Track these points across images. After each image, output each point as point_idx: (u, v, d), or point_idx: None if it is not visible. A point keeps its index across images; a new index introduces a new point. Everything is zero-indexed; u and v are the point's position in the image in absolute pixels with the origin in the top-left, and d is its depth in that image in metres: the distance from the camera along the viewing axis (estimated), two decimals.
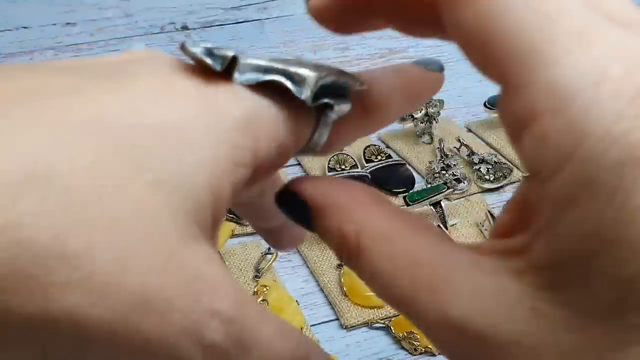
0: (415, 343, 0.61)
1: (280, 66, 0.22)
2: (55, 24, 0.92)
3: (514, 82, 0.18)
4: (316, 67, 0.23)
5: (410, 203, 0.72)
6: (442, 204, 0.73)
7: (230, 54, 0.21)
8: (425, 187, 0.75)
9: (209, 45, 0.22)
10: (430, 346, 0.61)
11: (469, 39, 0.19)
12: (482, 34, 0.18)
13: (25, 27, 0.91)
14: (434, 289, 0.20)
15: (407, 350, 0.61)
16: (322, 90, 0.23)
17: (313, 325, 0.63)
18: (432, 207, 0.73)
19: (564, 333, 0.18)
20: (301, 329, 0.61)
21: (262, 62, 0.22)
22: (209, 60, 0.21)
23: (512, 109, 0.18)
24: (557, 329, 0.18)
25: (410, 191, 0.77)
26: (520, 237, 0.19)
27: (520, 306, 0.18)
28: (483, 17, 0.18)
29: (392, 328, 0.62)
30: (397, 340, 0.62)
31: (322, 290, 0.67)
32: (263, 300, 0.63)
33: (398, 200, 0.76)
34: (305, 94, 0.22)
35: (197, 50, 0.21)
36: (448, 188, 0.74)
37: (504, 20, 0.18)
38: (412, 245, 0.21)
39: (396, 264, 0.21)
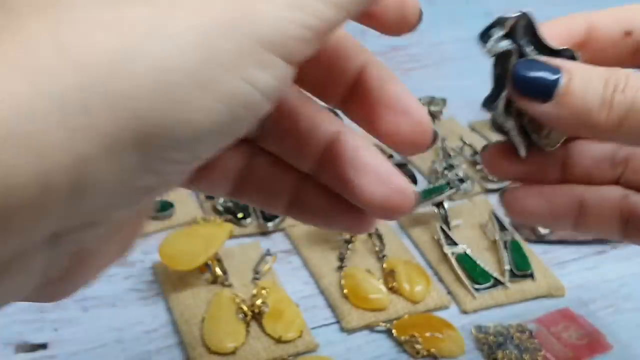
0: (417, 346, 0.60)
1: None
2: None
3: None
4: None
5: None
6: (445, 204, 0.72)
7: None
8: (427, 187, 0.74)
9: None
10: (432, 349, 0.60)
11: None
12: None
13: None
14: None
15: (409, 354, 0.60)
16: None
17: (313, 328, 0.62)
18: (435, 207, 0.72)
19: None
20: (301, 332, 0.61)
21: None
22: None
23: None
24: None
25: None
26: None
27: None
28: None
29: (393, 331, 0.61)
30: (399, 344, 0.61)
31: (322, 292, 0.66)
32: (262, 302, 0.62)
33: None
34: None
35: None
36: (451, 188, 0.73)
37: None
38: None
39: None
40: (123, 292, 0.65)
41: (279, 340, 0.60)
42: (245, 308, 0.61)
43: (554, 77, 0.30)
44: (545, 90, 0.30)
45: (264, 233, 0.73)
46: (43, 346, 0.60)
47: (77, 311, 0.63)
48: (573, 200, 0.36)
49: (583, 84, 0.30)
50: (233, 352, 0.59)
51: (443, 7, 1.11)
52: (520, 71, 0.31)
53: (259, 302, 0.62)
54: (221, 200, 0.74)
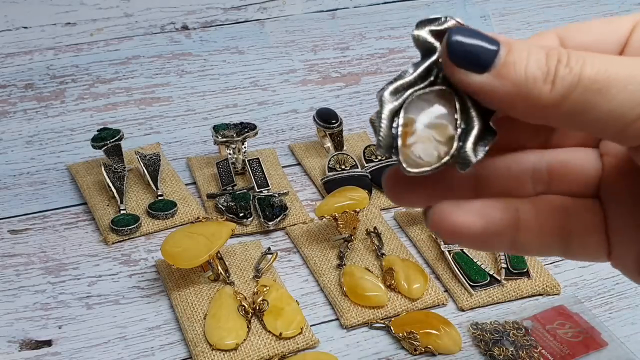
0: (415, 343, 0.60)
1: None
2: (55, 24, 0.92)
3: None
4: None
5: None
6: None
7: None
8: None
9: None
10: (430, 346, 0.60)
11: None
12: None
13: (24, 27, 0.91)
14: None
15: (407, 350, 0.61)
16: None
17: (313, 325, 0.63)
18: None
19: None
20: (301, 329, 0.61)
21: None
22: None
23: None
24: None
25: None
26: None
27: None
28: None
29: (392, 328, 0.62)
30: (397, 340, 0.62)
31: (322, 290, 0.67)
32: (263, 300, 0.63)
33: None
34: None
35: None
36: None
37: None
38: None
39: None
40: (126, 289, 0.66)
41: (279, 337, 0.61)
42: (246, 305, 0.62)
43: (493, 46, 0.28)
44: (484, 59, 0.28)
45: (265, 232, 0.74)
46: (47, 343, 0.61)
47: (81, 308, 0.64)
48: (510, 214, 0.31)
49: (524, 54, 0.27)
50: (234, 349, 0.59)
51: (440, 10, 1.12)
52: (455, 36, 0.28)
53: (259, 299, 0.63)
54: (222, 199, 0.75)
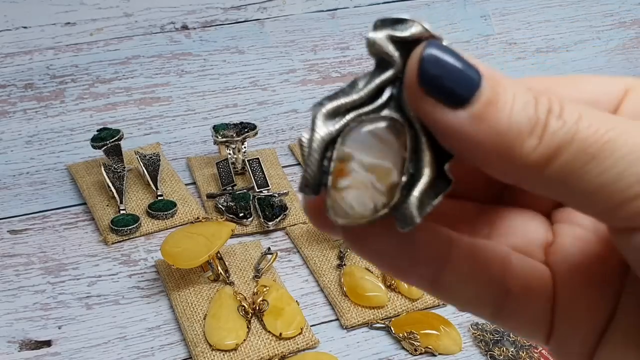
0: (415, 343, 0.60)
1: None
2: (54, 24, 0.92)
3: None
4: None
5: None
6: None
7: None
8: None
9: None
10: (430, 346, 0.60)
11: None
12: None
13: (24, 27, 0.91)
14: None
15: (407, 351, 0.61)
16: None
17: (313, 325, 0.63)
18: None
19: None
20: (301, 329, 0.61)
21: None
22: None
23: None
24: None
25: None
26: None
27: None
28: None
29: (392, 328, 0.62)
30: (397, 341, 0.62)
31: (322, 290, 0.67)
32: (263, 300, 0.63)
33: None
34: None
35: None
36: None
37: None
38: None
39: None
40: (126, 290, 0.66)
41: (279, 337, 0.61)
42: (246, 305, 0.62)
43: (474, 76, 0.21)
44: (463, 91, 0.21)
45: (265, 232, 0.74)
46: (47, 343, 0.61)
47: (81, 309, 0.64)
48: (442, 241, 0.25)
49: (509, 93, 0.21)
50: (234, 349, 0.59)
51: (440, 9, 1.12)
52: (432, 51, 0.21)
53: (259, 299, 0.63)
54: (222, 199, 0.75)
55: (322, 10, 1.04)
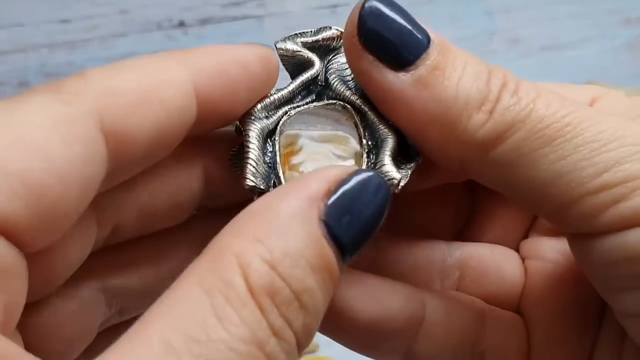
0: None
1: None
2: (49, 21, 0.91)
3: None
4: None
5: None
6: None
7: None
8: None
9: None
10: None
11: None
12: None
13: (18, 25, 0.90)
14: None
15: None
16: None
17: None
18: None
19: None
20: None
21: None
22: None
23: None
24: None
25: None
26: None
27: None
28: None
29: None
30: None
31: None
32: None
33: None
34: None
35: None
36: None
37: None
38: None
39: None
40: None
41: None
42: None
43: (422, 37, 0.19)
44: (408, 50, 0.19)
45: None
46: None
47: None
48: (415, 306, 0.23)
49: (459, 62, 0.19)
50: None
51: (443, 6, 1.10)
52: (375, 3, 0.19)
53: None
54: None
55: (323, 7, 1.03)
